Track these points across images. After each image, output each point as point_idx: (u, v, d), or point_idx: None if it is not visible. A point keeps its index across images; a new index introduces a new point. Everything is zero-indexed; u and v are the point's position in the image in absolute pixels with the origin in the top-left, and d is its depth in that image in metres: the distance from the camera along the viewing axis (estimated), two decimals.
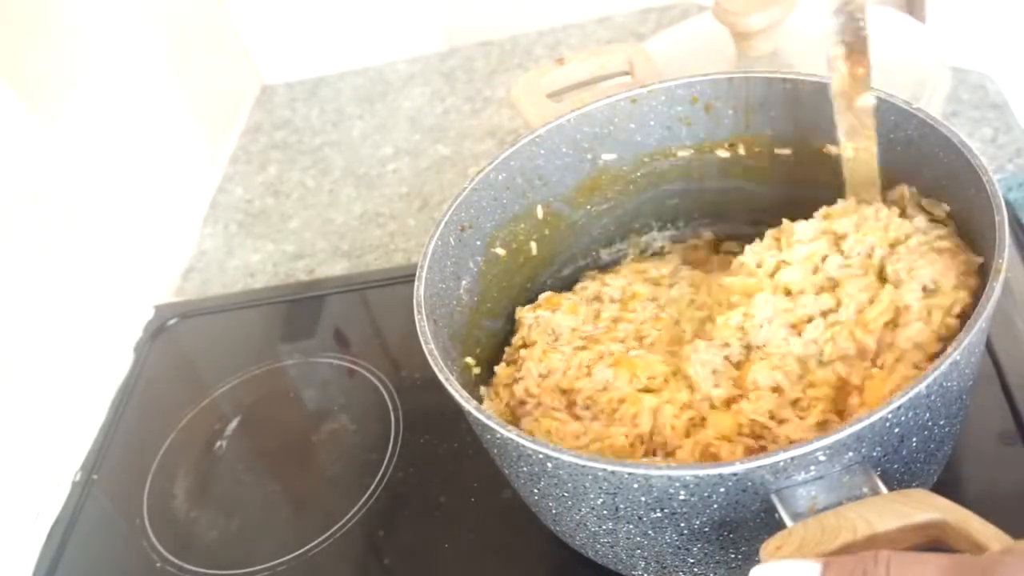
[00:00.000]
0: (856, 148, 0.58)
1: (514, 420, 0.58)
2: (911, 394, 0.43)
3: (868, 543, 0.39)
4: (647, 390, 0.56)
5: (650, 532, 0.47)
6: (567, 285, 0.68)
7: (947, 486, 0.53)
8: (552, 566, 0.56)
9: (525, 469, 0.49)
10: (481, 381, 0.61)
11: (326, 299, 0.84)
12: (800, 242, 0.57)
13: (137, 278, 0.88)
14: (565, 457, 0.45)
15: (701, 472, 0.43)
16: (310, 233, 0.95)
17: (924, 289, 0.53)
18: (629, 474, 0.44)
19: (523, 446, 0.46)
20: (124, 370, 0.83)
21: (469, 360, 0.60)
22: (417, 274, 0.55)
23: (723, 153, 0.65)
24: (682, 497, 0.44)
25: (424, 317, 0.53)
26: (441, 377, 0.50)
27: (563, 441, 0.55)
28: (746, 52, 0.79)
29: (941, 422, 0.47)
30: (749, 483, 0.43)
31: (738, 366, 0.55)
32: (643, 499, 0.45)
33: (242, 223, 0.99)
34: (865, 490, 0.42)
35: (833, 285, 0.55)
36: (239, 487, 0.71)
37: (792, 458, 0.42)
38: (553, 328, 0.62)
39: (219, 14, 1.13)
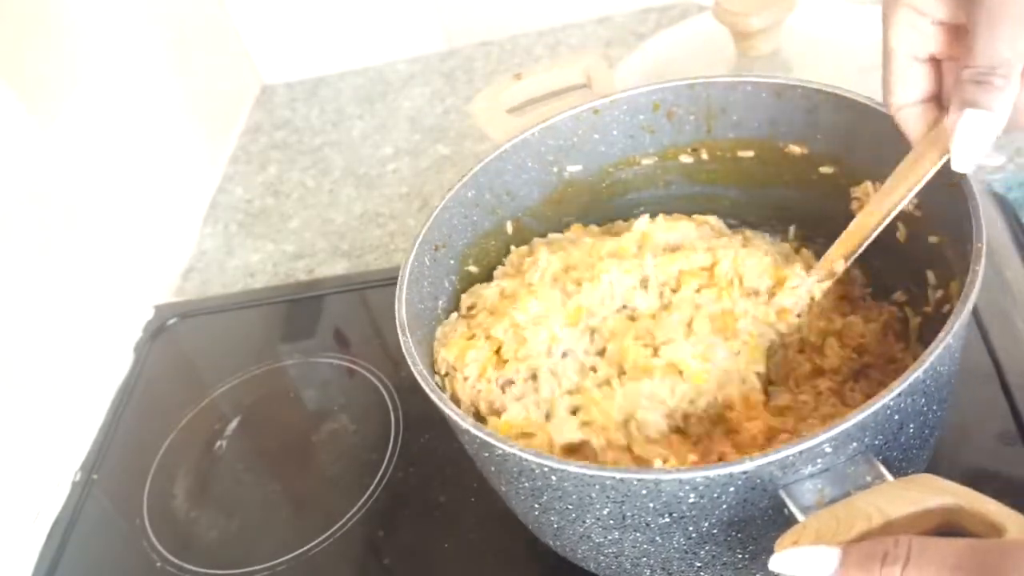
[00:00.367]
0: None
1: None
2: (910, 380, 0.43)
3: (884, 530, 0.39)
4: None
5: (657, 538, 0.47)
6: None
7: None
8: (552, 566, 0.56)
9: (527, 484, 0.49)
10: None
11: (326, 299, 0.84)
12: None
13: (137, 278, 0.88)
14: (571, 468, 0.45)
15: (711, 473, 0.43)
16: (310, 233, 0.95)
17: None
18: (638, 480, 0.44)
19: (525, 460, 0.46)
20: (124, 370, 0.83)
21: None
22: (397, 295, 0.56)
23: (686, 159, 0.66)
24: (691, 500, 0.44)
25: (409, 338, 0.53)
26: (433, 397, 0.50)
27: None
28: (746, 52, 0.79)
29: (934, 407, 0.48)
30: (758, 480, 0.43)
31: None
32: (651, 505, 0.45)
33: (242, 223, 0.99)
34: (869, 479, 0.43)
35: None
36: (239, 487, 0.71)
37: (800, 452, 0.42)
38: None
39: (219, 14, 1.13)
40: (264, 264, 0.94)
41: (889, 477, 0.43)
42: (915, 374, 0.43)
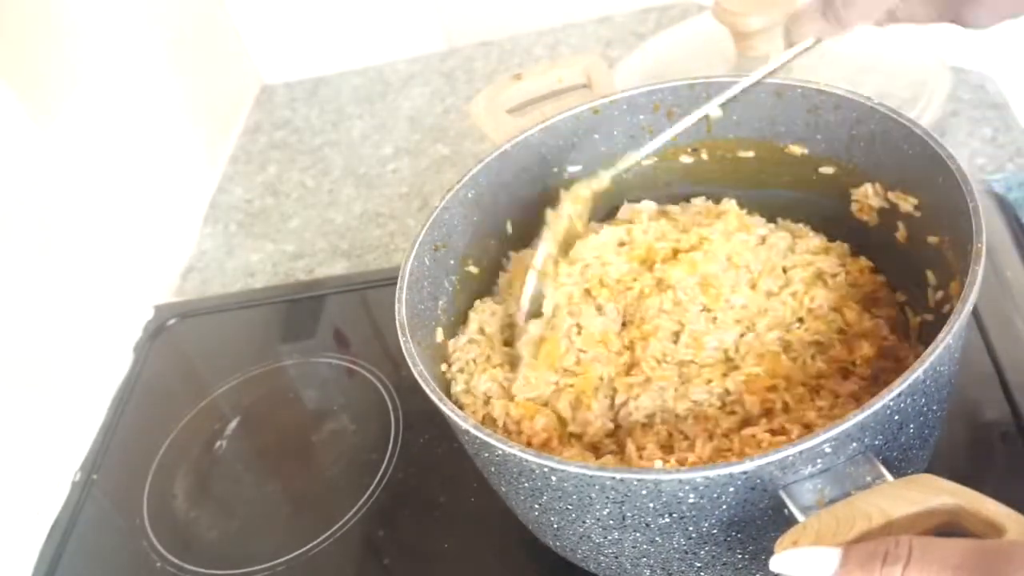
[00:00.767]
0: None
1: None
2: (910, 380, 0.43)
3: (884, 530, 0.39)
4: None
5: (657, 539, 0.47)
6: None
7: None
8: (552, 566, 0.56)
9: (527, 484, 0.49)
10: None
11: (326, 299, 0.84)
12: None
13: (137, 278, 0.88)
14: (571, 468, 0.45)
15: (711, 473, 0.43)
16: (310, 233, 0.95)
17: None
18: (638, 480, 0.44)
19: (526, 461, 0.46)
20: (124, 370, 0.83)
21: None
22: (397, 295, 0.56)
23: (687, 159, 0.66)
24: (691, 500, 0.44)
25: (409, 339, 0.53)
26: (433, 397, 0.50)
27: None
28: (746, 52, 0.79)
29: (934, 407, 0.48)
30: (758, 480, 0.43)
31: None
32: (651, 505, 0.45)
33: (242, 223, 0.99)
34: (869, 479, 0.43)
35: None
36: (239, 487, 0.71)
37: (800, 452, 0.42)
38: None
39: (219, 14, 1.13)
40: (264, 264, 0.94)
41: (889, 477, 0.43)
42: (915, 374, 0.43)
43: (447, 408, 0.49)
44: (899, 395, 0.43)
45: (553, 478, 0.46)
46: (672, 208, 0.67)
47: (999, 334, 0.64)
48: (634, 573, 0.51)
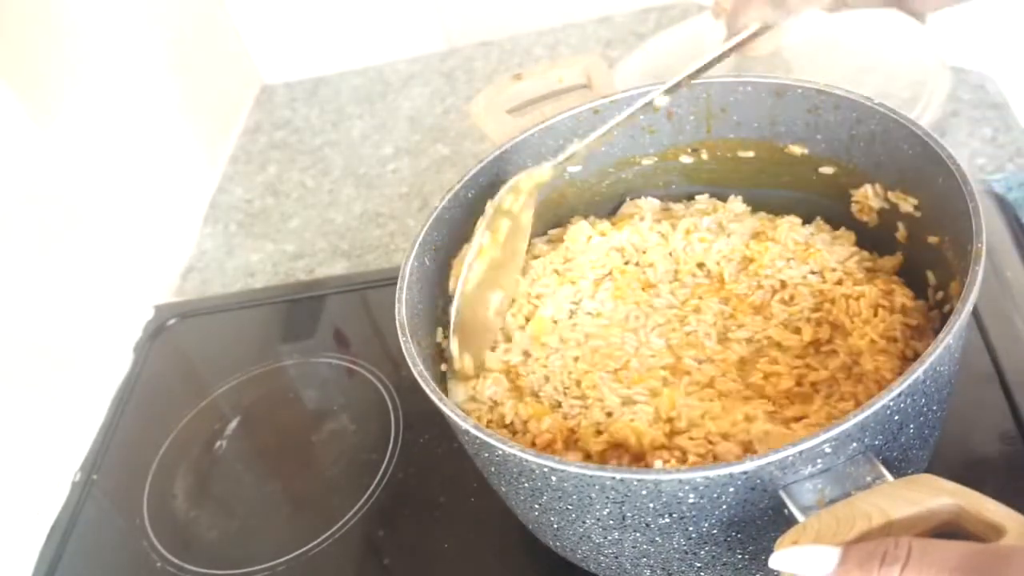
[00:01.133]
0: None
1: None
2: (910, 380, 0.43)
3: (884, 531, 0.39)
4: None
5: (657, 539, 0.47)
6: None
7: None
8: (552, 566, 0.56)
9: (527, 484, 0.49)
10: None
11: (326, 299, 0.84)
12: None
13: (137, 278, 0.88)
14: (571, 469, 0.45)
15: (711, 473, 0.43)
16: (310, 233, 0.95)
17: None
18: (638, 480, 0.44)
19: (525, 461, 0.46)
20: (124, 370, 0.83)
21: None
22: (397, 296, 0.55)
23: (686, 159, 0.66)
24: (691, 500, 0.44)
25: (409, 339, 0.53)
26: (434, 397, 0.50)
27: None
28: (746, 52, 0.79)
29: (934, 407, 0.48)
30: (758, 481, 0.43)
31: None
32: (651, 505, 0.45)
33: (242, 223, 0.99)
34: (869, 479, 0.43)
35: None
36: (239, 487, 0.71)
37: (800, 452, 0.42)
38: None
39: (219, 14, 1.13)
40: (264, 264, 0.94)
41: (889, 477, 0.43)
42: (915, 374, 0.43)
43: (447, 408, 0.49)
44: (899, 395, 0.43)
45: (553, 478, 0.46)
46: (675, 206, 0.67)
47: (999, 334, 0.64)
48: (634, 573, 0.51)
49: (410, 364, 0.52)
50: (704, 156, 0.66)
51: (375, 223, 0.94)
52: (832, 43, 0.83)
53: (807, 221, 0.63)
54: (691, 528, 0.46)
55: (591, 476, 0.44)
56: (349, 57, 1.17)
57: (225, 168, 1.08)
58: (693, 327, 0.59)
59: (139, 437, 0.77)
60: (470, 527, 0.63)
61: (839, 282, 0.58)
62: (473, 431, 0.48)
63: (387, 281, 0.84)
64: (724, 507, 0.44)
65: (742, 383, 0.55)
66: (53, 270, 0.77)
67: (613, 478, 0.44)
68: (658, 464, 0.51)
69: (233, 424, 0.75)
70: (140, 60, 0.95)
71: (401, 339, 0.53)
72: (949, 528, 0.40)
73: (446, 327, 0.61)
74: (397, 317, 0.54)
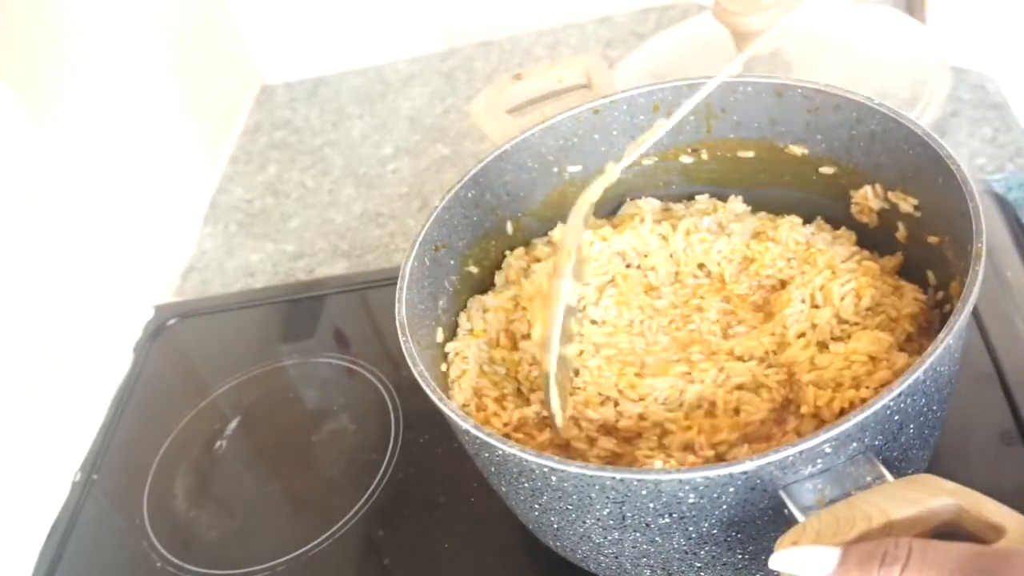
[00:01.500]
0: None
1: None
2: (910, 380, 0.43)
3: (884, 531, 0.39)
4: None
5: (657, 539, 0.47)
6: None
7: None
8: (552, 566, 0.56)
9: (527, 485, 0.49)
10: None
11: (326, 299, 0.84)
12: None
13: (137, 278, 0.88)
14: (571, 469, 0.45)
15: (711, 473, 0.43)
16: (310, 233, 0.95)
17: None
18: (638, 480, 0.44)
19: (525, 461, 0.46)
20: (124, 370, 0.83)
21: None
22: (397, 296, 0.56)
23: (687, 159, 0.66)
24: (691, 500, 0.44)
25: (409, 339, 0.53)
26: (434, 397, 0.50)
27: None
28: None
29: (934, 407, 0.48)
30: (758, 481, 0.43)
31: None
32: (651, 505, 0.45)
33: (242, 223, 0.99)
34: (869, 479, 0.43)
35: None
36: (239, 487, 0.71)
37: (800, 452, 0.42)
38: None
39: (219, 14, 1.13)
40: (264, 264, 0.94)
41: (889, 477, 0.43)
42: (915, 374, 0.43)
43: (447, 408, 0.49)
44: (899, 395, 0.43)
45: (553, 478, 0.46)
46: (675, 206, 0.67)
47: (999, 334, 0.64)
48: (634, 573, 0.51)
49: (410, 364, 0.52)
50: (704, 156, 0.66)
51: (375, 223, 0.94)
52: (832, 43, 0.83)
53: (807, 221, 0.63)
54: (691, 528, 0.46)
55: (591, 476, 0.44)
56: (349, 57, 1.17)
57: (225, 168, 1.08)
58: (697, 325, 0.59)
59: (139, 437, 0.77)
60: (470, 527, 0.63)
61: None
62: (473, 431, 0.48)
63: (387, 281, 0.84)
64: (724, 507, 0.44)
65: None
66: (53, 270, 0.77)
67: (613, 478, 0.44)
68: (658, 464, 0.51)
69: (233, 424, 0.75)
70: (140, 60, 0.95)
71: (401, 339, 0.53)
72: (949, 528, 0.40)
73: (446, 327, 0.61)
74: (397, 317, 0.54)
